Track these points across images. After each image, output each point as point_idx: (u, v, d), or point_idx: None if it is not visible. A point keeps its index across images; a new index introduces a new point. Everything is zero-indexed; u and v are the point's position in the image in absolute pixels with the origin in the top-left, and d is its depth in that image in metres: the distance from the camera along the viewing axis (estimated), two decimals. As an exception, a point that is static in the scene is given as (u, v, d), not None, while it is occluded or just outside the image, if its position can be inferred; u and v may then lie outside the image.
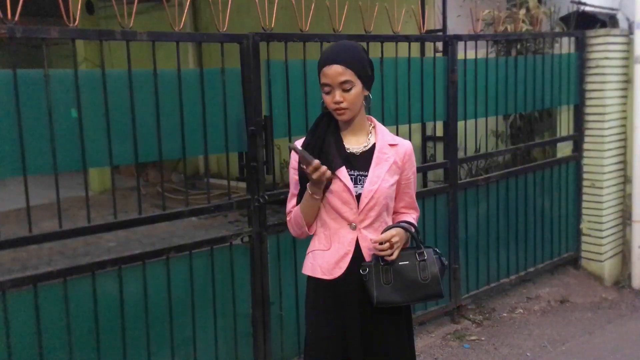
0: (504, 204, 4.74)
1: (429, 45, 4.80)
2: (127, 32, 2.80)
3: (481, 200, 4.57)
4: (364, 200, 2.23)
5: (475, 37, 4.39)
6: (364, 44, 3.64)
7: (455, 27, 4.94)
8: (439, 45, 4.50)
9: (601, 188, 5.22)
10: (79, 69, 2.72)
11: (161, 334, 3.03)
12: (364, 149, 2.30)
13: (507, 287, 4.88)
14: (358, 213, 2.25)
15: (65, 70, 2.71)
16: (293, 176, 2.34)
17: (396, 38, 3.83)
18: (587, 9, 5.35)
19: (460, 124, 4.32)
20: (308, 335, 2.39)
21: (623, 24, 5.32)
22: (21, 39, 2.54)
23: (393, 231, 2.23)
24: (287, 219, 2.38)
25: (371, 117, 2.38)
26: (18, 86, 2.52)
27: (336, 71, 2.16)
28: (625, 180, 5.35)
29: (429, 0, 5.21)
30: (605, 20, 5.27)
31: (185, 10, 3.24)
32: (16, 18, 2.48)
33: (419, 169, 4.52)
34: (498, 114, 4.65)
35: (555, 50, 5.19)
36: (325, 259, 2.28)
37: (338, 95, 2.17)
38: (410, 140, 2.44)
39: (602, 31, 5.12)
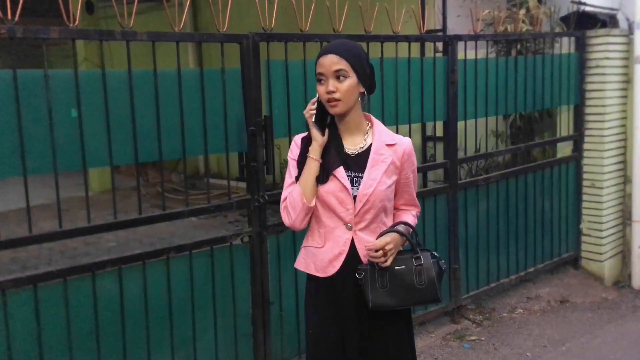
0: (504, 204, 4.74)
1: (429, 45, 4.79)
2: (127, 32, 2.80)
3: (481, 200, 4.57)
4: (358, 203, 2.21)
5: (475, 37, 4.39)
6: (364, 44, 3.64)
7: (455, 27, 4.94)
8: (439, 45, 4.50)
9: (601, 188, 5.22)
10: (79, 69, 2.72)
11: (161, 334, 3.03)
12: (360, 150, 2.26)
13: (507, 287, 4.88)
14: (354, 215, 2.22)
15: (65, 70, 2.71)
16: (291, 168, 2.29)
17: (396, 38, 3.83)
18: (587, 9, 5.35)
19: (460, 124, 4.32)
20: (308, 334, 2.38)
21: (623, 24, 5.32)
22: (21, 39, 2.54)
23: (387, 237, 2.20)
24: (282, 206, 2.29)
25: (370, 115, 2.35)
26: (18, 86, 2.52)
27: (331, 60, 2.14)
28: (625, 180, 5.35)
29: (429, 0, 5.20)
30: (605, 20, 5.27)
31: (185, 10, 3.24)
32: (16, 18, 2.48)
33: (419, 169, 4.53)
34: (498, 114, 4.65)
35: (555, 50, 5.19)
36: (318, 257, 2.27)
37: (331, 84, 2.14)
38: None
39: (602, 31, 5.13)
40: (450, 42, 4.19)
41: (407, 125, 4.01)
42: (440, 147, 4.53)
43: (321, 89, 2.18)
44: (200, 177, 9.36)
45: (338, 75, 2.14)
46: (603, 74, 5.11)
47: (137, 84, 2.86)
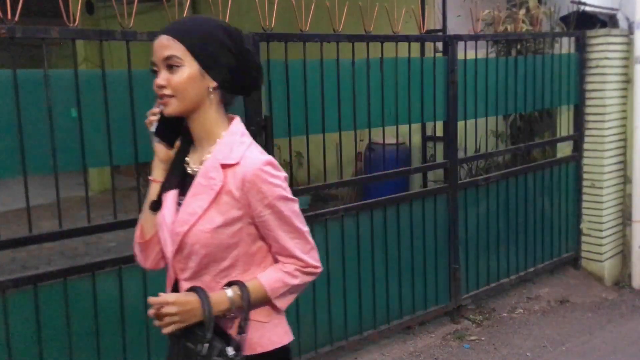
0: (504, 204, 4.74)
1: (429, 45, 4.80)
2: (127, 32, 2.81)
3: (481, 200, 4.56)
4: (173, 244, 1.61)
5: (475, 37, 4.39)
6: (364, 44, 3.65)
7: (455, 27, 4.94)
8: (439, 45, 4.51)
9: (601, 188, 5.22)
10: (79, 69, 2.72)
11: (161, 334, 3.02)
12: (199, 169, 1.64)
13: (507, 287, 4.88)
14: (172, 257, 1.63)
15: (65, 70, 2.71)
16: None
17: (396, 38, 3.83)
18: (587, 9, 5.35)
19: (460, 124, 4.32)
20: None
21: (623, 24, 5.32)
22: (21, 39, 2.54)
23: (170, 297, 1.55)
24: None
25: (237, 118, 1.71)
26: (18, 86, 2.52)
27: (160, 43, 1.55)
28: (625, 180, 5.35)
29: (429, 0, 5.21)
30: (605, 20, 5.27)
31: (185, 10, 3.24)
32: (16, 18, 2.48)
33: (418, 169, 4.53)
34: (498, 114, 4.65)
35: (555, 50, 5.19)
36: None
37: (161, 76, 1.57)
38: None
39: (602, 31, 5.13)
40: (450, 42, 4.19)
41: (407, 125, 4.02)
42: (440, 147, 4.53)
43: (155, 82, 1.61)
44: (200, 177, 9.34)
45: (168, 62, 1.55)
46: (603, 74, 5.10)
47: (137, 84, 2.85)
